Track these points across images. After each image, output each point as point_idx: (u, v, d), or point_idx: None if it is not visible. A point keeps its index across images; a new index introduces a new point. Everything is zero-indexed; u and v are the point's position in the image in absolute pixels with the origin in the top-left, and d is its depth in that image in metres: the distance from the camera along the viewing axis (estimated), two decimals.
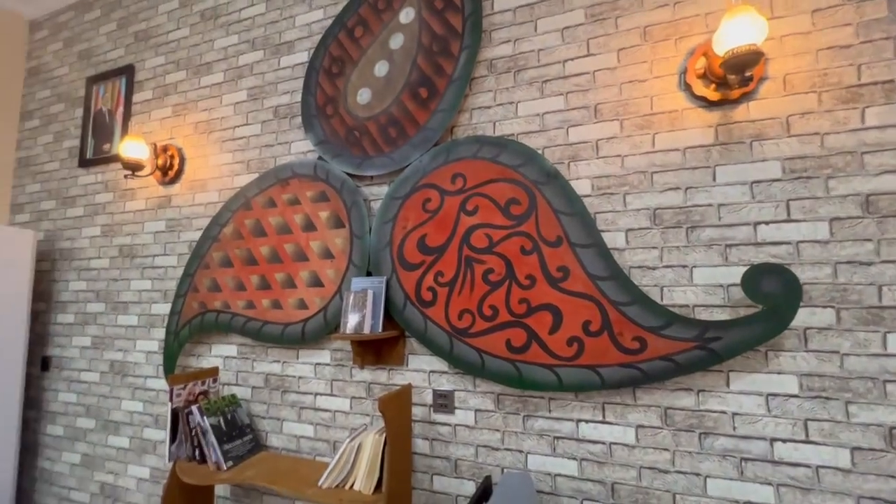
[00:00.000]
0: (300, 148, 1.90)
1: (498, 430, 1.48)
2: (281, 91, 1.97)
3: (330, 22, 1.89)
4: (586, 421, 1.37)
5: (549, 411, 1.42)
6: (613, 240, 1.39)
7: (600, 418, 1.36)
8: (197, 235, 2.06)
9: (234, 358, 1.93)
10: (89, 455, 2.22)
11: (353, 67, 1.80)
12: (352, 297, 1.55)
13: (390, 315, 1.59)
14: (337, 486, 1.42)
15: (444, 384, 1.57)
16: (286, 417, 1.79)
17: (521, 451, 1.45)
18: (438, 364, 1.58)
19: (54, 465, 2.32)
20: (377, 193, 1.73)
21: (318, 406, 1.73)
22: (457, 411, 1.55)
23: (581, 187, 1.44)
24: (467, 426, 1.52)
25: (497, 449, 1.48)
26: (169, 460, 1.66)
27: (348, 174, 1.75)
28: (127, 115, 2.34)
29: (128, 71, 2.37)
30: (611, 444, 1.35)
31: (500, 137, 1.54)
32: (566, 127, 1.49)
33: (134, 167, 2.08)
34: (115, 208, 2.33)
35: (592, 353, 1.32)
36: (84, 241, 2.39)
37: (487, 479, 1.42)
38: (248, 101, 2.04)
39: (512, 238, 1.45)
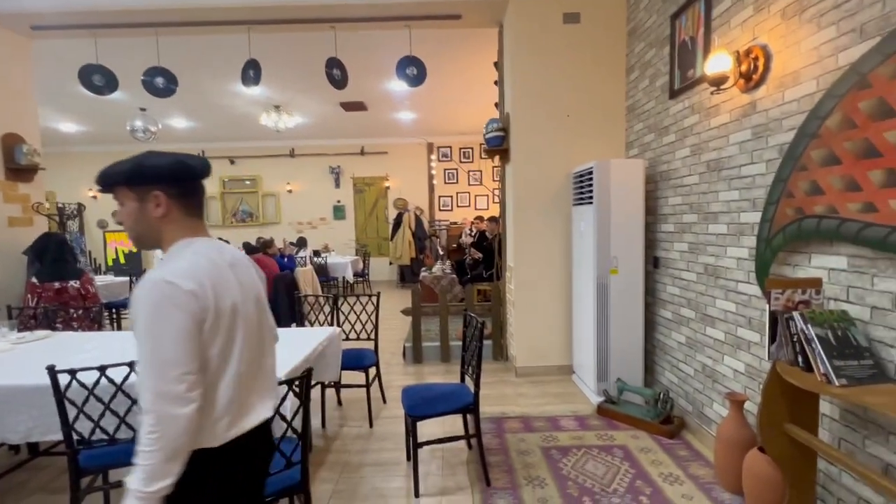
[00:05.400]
0: None
1: None
2: None
3: None
4: None
5: None
6: None
7: None
8: (788, 137, 1.88)
9: (843, 271, 1.66)
10: (691, 339, 2.70)
11: None
12: None
13: None
14: None
15: None
16: None
17: None
18: None
19: (666, 339, 3.01)
20: None
21: None
22: None
23: None
24: None
25: None
26: (769, 359, 1.72)
27: None
28: (707, 34, 2.44)
29: None
30: None
31: None
32: None
33: (718, 81, 2.17)
34: (700, 128, 2.55)
35: None
36: (677, 163, 2.81)
37: None
38: None
39: None
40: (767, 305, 1.71)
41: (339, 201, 9.64)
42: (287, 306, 4.70)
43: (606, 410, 2.93)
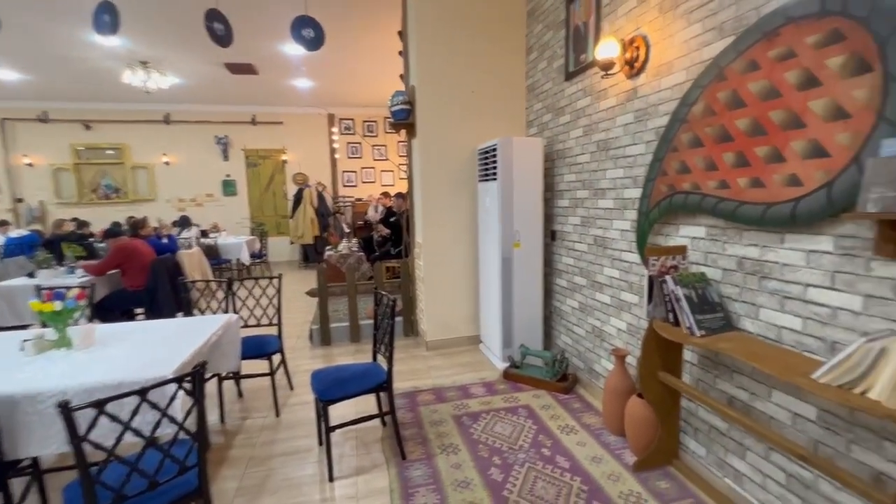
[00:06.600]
0: None
1: None
2: None
3: None
4: None
5: None
6: None
7: None
8: (664, 121, 2.12)
9: (703, 239, 1.95)
10: (583, 303, 2.98)
11: None
12: (882, 166, 1.16)
13: None
14: (840, 386, 1.23)
15: None
16: (764, 304, 1.67)
17: None
18: None
19: (562, 306, 3.30)
20: None
21: (810, 299, 1.50)
22: None
23: None
24: None
25: None
26: (647, 317, 1.97)
27: None
28: (598, 21, 2.61)
29: None
30: None
31: None
32: None
33: (606, 67, 2.35)
34: (591, 110, 2.75)
35: None
36: (571, 142, 3.01)
37: None
38: None
39: None
40: (646, 271, 1.94)
41: (228, 175, 8.71)
42: (169, 294, 4.16)
43: (511, 374, 3.13)
